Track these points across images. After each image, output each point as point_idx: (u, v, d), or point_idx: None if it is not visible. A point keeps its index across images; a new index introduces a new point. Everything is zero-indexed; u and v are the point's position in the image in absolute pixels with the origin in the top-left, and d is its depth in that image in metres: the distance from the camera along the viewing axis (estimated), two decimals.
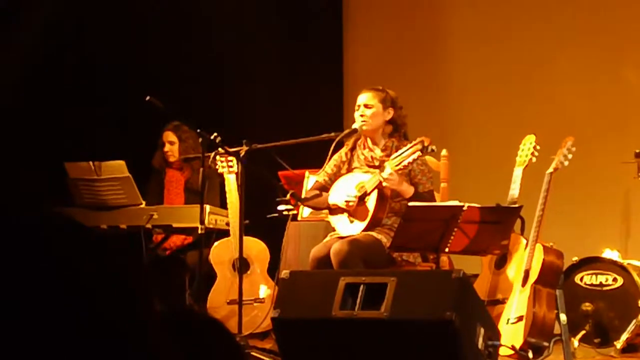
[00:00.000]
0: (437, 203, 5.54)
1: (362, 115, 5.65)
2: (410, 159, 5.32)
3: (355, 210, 5.52)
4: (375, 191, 5.45)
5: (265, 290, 6.40)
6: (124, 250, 1.09)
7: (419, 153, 5.30)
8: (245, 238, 5.83)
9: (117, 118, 7.54)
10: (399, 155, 5.37)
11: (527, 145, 5.68)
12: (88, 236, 1.08)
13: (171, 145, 6.86)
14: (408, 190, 5.48)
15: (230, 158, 6.19)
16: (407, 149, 5.34)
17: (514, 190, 5.56)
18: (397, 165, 5.36)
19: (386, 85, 5.81)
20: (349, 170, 5.70)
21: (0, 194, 6.02)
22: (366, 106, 5.65)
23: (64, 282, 1.03)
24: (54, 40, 7.32)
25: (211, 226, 6.29)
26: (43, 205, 1.08)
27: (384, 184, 5.41)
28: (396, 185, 5.43)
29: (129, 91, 7.26)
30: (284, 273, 4.87)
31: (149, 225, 6.42)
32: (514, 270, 5.51)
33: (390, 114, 5.66)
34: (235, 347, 1.53)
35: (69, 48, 7.43)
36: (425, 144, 5.28)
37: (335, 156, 5.73)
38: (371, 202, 5.47)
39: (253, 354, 5.42)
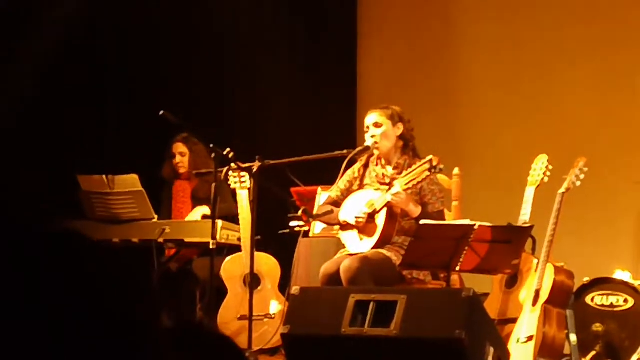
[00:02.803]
0: (449, 222, 5.52)
1: (373, 136, 5.62)
2: (419, 179, 5.30)
3: (364, 227, 5.51)
4: (385, 209, 5.44)
5: (275, 306, 6.40)
6: (132, 264, 1.10)
7: (427, 173, 5.27)
8: (256, 254, 5.84)
9: (127, 129, 7.58)
10: (409, 174, 5.34)
11: (539, 165, 5.68)
12: (94, 249, 1.09)
13: (182, 156, 6.83)
14: (415, 210, 5.43)
15: (242, 174, 6.20)
16: (416, 169, 5.31)
17: (526, 210, 5.56)
18: (406, 184, 5.33)
19: (399, 103, 5.80)
20: (361, 186, 5.69)
21: (8, 204, 6.04)
22: (376, 125, 5.63)
23: (66, 294, 1.03)
24: (61, 47, 7.34)
25: (223, 241, 6.29)
26: (52, 219, 1.10)
27: (391, 201, 5.38)
28: (403, 205, 5.39)
29: (140, 103, 7.31)
30: (294, 289, 4.88)
31: (161, 240, 6.43)
32: (524, 289, 5.50)
33: (400, 129, 5.64)
34: None
35: (78, 55, 7.45)
36: (434, 163, 5.24)
37: (349, 171, 5.71)
38: (380, 219, 5.45)
39: None
